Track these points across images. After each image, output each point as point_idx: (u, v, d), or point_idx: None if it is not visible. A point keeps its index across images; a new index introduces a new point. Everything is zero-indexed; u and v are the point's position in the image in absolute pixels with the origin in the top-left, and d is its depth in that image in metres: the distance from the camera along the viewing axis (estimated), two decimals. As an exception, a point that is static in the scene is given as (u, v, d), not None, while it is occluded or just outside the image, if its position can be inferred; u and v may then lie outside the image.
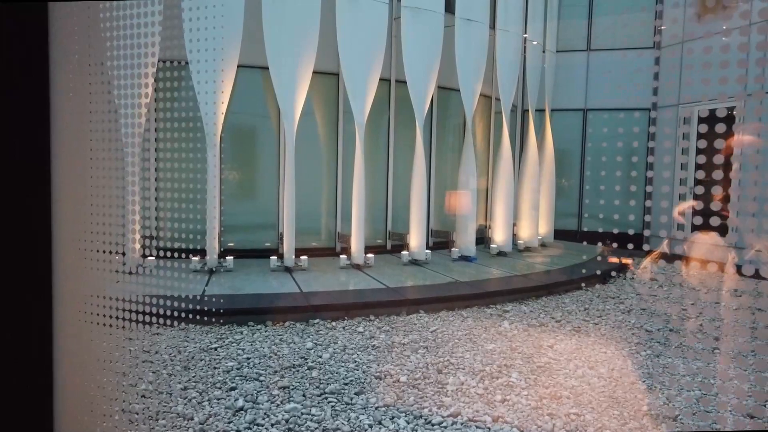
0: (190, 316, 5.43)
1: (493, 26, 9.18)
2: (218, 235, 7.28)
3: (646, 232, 11.28)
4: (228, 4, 6.76)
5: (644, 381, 4.31)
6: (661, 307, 6.79)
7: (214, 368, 4.32)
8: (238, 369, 4.30)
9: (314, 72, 7.31)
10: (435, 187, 9.56)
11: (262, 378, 4.14)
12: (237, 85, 7.42)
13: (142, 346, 4.71)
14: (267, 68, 7.12)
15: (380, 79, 7.80)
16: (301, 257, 7.46)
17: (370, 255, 7.85)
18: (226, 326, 5.39)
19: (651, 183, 11.08)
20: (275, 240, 8.31)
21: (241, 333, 5.21)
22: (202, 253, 7.05)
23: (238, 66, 6.96)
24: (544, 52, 10.55)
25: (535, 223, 10.18)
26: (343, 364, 4.46)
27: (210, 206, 6.93)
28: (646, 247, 11.19)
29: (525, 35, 9.89)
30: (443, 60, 8.31)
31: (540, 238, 10.46)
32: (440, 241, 9.48)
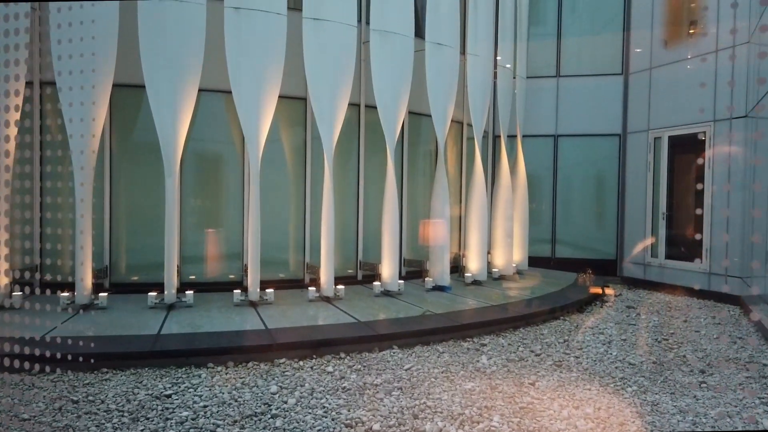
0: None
1: (463, 51, 9.07)
2: (177, 268, 6.82)
3: (620, 259, 11.19)
4: (188, 24, 6.44)
5: (633, 421, 4.03)
6: (640, 337, 6.58)
7: (167, 419, 3.88)
8: (193, 420, 3.88)
9: (280, 96, 7.01)
10: (407, 214, 9.29)
11: (219, 430, 3.72)
12: (198, 110, 7.07)
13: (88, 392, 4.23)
14: (230, 92, 6.80)
15: (349, 104, 7.55)
16: (267, 290, 7.05)
17: (340, 286, 7.48)
18: (183, 369, 4.94)
19: (623, 209, 11.06)
20: (239, 272, 7.88)
21: (200, 377, 4.77)
22: (159, 287, 6.59)
23: (200, 90, 6.63)
24: (514, 78, 10.49)
25: (510, 251, 9.96)
26: (310, 411, 4.07)
27: (168, 237, 6.50)
28: (620, 274, 11.09)
29: (498, 57, 9.82)
30: (414, 85, 8.13)
31: (515, 265, 10.24)
32: (413, 270, 9.17)
